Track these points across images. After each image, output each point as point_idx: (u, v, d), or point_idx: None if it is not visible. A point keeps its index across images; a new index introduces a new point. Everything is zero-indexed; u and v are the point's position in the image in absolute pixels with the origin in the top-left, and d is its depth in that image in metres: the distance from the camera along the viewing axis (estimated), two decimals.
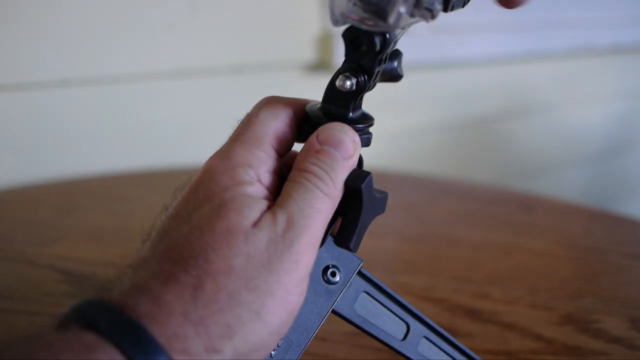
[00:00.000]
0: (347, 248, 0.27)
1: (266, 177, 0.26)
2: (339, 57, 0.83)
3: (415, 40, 0.91)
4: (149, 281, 0.22)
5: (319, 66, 0.85)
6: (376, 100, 0.96)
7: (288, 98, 0.29)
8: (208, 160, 0.26)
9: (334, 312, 0.28)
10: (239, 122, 0.28)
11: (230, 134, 0.27)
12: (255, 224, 0.24)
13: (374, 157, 1.00)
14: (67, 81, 0.70)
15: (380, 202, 0.28)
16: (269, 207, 0.25)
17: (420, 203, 0.67)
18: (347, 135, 0.26)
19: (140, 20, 0.72)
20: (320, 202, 0.25)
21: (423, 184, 0.76)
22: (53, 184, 0.69)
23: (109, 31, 0.71)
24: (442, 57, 0.97)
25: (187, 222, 0.24)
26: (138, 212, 0.60)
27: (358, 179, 0.26)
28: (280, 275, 0.23)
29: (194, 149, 0.80)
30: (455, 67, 1.03)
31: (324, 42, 0.84)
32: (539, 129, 1.22)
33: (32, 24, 0.66)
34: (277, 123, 0.27)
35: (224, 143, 0.27)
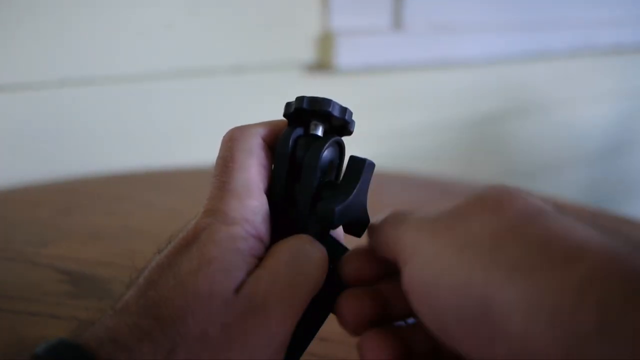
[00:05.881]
0: (358, 236, 0.27)
1: (262, 227, 0.25)
2: (339, 57, 0.83)
3: (415, 40, 0.92)
4: (126, 334, 0.21)
5: (318, 66, 0.85)
6: (376, 100, 0.96)
7: (254, 124, 0.27)
8: (202, 216, 0.25)
9: None
10: (215, 166, 0.26)
11: (212, 181, 0.26)
12: (238, 288, 0.23)
13: (375, 157, 1.00)
14: (67, 81, 0.70)
15: (362, 186, 0.27)
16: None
17: (420, 203, 0.67)
18: None
19: (140, 20, 0.72)
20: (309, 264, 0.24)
21: (423, 184, 0.76)
22: (53, 184, 0.69)
23: (109, 31, 0.71)
24: (442, 57, 0.97)
25: (174, 275, 0.23)
26: (138, 212, 0.60)
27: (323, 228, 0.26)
28: (254, 350, 0.22)
29: (194, 149, 0.80)
30: (455, 67, 1.03)
31: (324, 42, 0.84)
32: (539, 129, 1.22)
33: (31, 24, 0.66)
34: (255, 159, 0.26)
35: (210, 194, 0.25)
